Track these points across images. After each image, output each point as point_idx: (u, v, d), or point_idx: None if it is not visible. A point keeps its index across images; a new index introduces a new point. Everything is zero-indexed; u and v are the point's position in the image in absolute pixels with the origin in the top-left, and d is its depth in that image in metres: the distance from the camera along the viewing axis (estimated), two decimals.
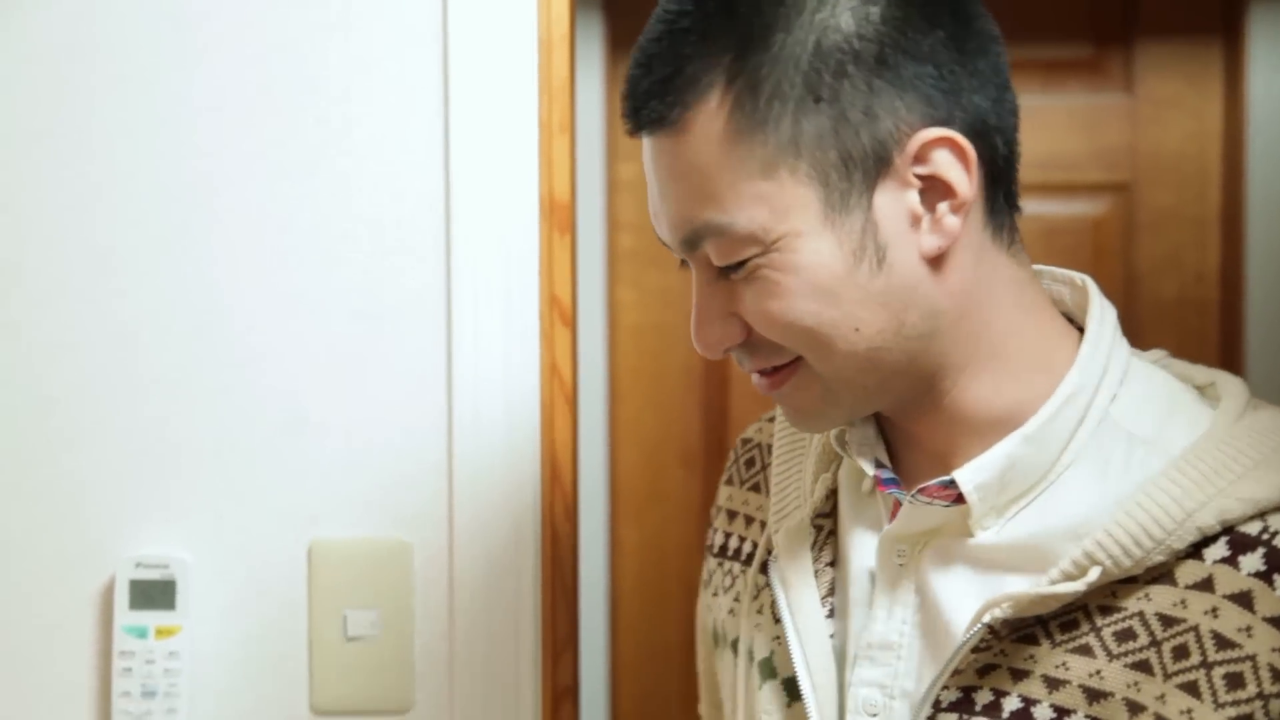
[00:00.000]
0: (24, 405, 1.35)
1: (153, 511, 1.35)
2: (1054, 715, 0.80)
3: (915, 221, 0.82)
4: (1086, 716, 0.79)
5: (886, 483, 0.89)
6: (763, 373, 0.88)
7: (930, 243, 0.82)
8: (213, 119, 1.34)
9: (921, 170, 0.81)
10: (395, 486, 1.34)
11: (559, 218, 1.34)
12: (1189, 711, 0.76)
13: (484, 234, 1.33)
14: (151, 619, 1.32)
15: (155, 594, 1.32)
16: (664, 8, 0.85)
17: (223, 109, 1.34)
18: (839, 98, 0.80)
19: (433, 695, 1.34)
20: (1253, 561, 0.77)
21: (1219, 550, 0.78)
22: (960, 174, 0.81)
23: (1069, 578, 0.80)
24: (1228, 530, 0.78)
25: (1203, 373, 0.91)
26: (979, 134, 0.82)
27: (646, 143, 0.86)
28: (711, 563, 1.06)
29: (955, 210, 0.82)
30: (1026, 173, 2.40)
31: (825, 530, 0.94)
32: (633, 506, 2.26)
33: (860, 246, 0.81)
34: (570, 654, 1.35)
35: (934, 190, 0.82)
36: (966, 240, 0.83)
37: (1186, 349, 2.22)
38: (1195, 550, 0.79)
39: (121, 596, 1.32)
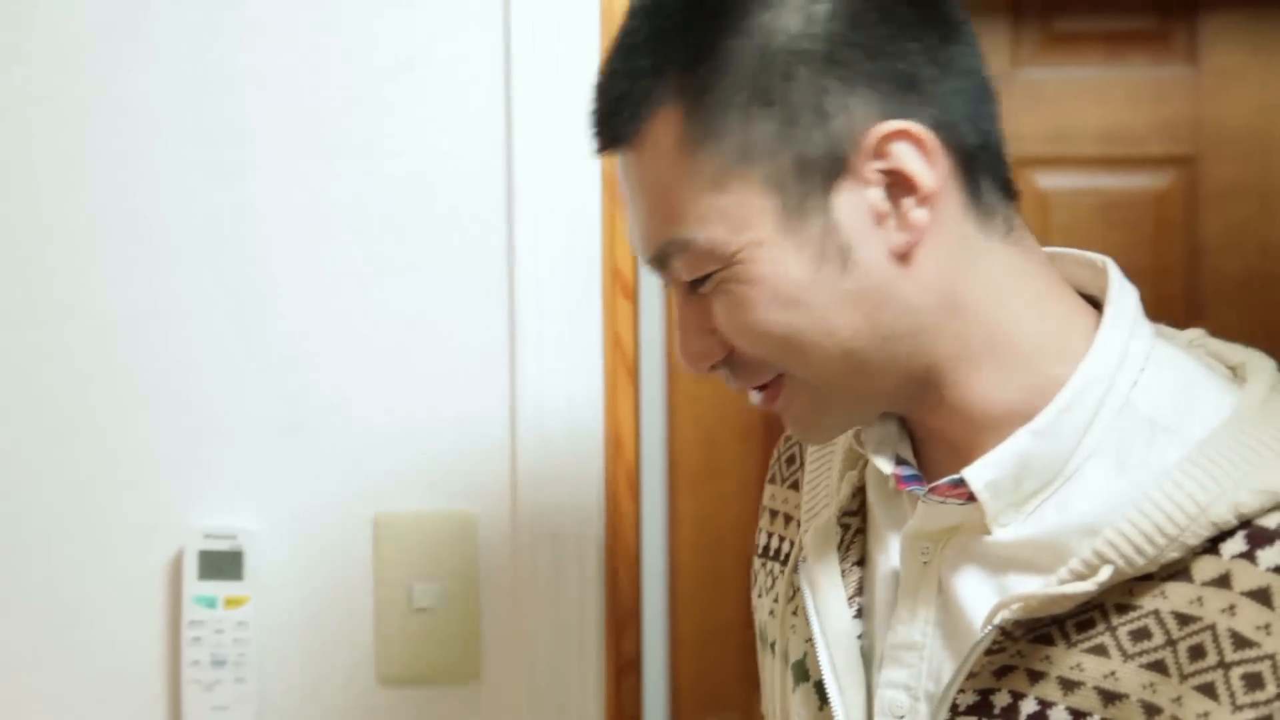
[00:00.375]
0: (95, 380, 1.37)
1: (221, 483, 1.37)
2: (1070, 718, 0.78)
3: (880, 219, 0.79)
4: (1102, 719, 0.77)
5: (907, 480, 0.87)
6: (758, 389, 0.86)
7: (897, 239, 0.79)
8: (270, 92, 1.35)
9: (881, 165, 0.78)
10: (459, 459, 1.35)
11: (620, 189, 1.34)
12: (1206, 715, 0.73)
13: (546, 206, 1.33)
14: (220, 589, 1.34)
15: (224, 565, 1.34)
16: (622, 23, 0.84)
17: (279, 81, 1.35)
18: (788, 100, 0.78)
19: (498, 666, 1.35)
20: (1271, 556, 0.74)
21: (1236, 545, 0.75)
22: (922, 166, 0.78)
23: (1079, 577, 0.77)
24: (1245, 524, 0.75)
25: (1236, 352, 0.88)
26: (944, 124, 0.79)
27: (618, 161, 0.85)
28: (756, 563, 1.04)
29: (922, 204, 0.79)
30: (1089, 145, 2.37)
31: (853, 529, 0.92)
32: (690, 480, 2.25)
33: (822, 250, 0.79)
34: (633, 627, 1.35)
35: (899, 185, 0.79)
36: (941, 233, 0.80)
37: (1252, 324, 2.18)
38: (1212, 545, 0.75)
39: (190, 567, 1.34)
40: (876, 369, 0.82)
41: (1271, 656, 0.71)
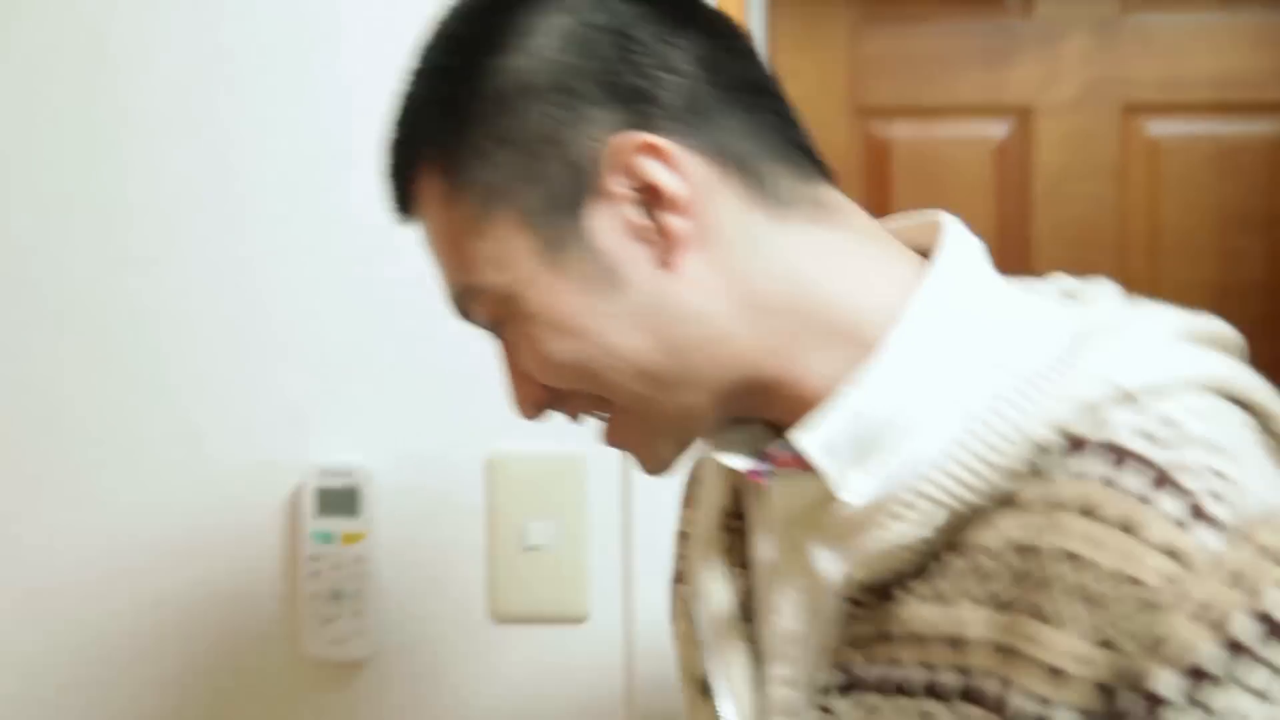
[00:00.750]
0: (216, 321, 1.40)
1: (338, 422, 1.39)
2: (925, 674, 0.75)
3: (639, 235, 0.78)
4: (953, 668, 0.74)
5: (759, 472, 0.85)
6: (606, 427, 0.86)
7: (661, 252, 0.78)
8: (370, 42, 1.36)
9: (628, 181, 0.77)
10: None
11: None
12: (1040, 640, 0.69)
13: None
14: (338, 525, 1.37)
15: (341, 501, 1.37)
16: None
17: (378, 28, 1.36)
18: (523, 136, 0.78)
19: (608, 605, 1.37)
20: (1095, 467, 0.70)
21: (1058, 460, 0.72)
22: (667, 175, 0.77)
23: (909, 523, 0.75)
24: (1066, 437, 0.72)
25: (1087, 286, 0.85)
26: (695, 129, 0.78)
27: None
28: (671, 590, 1.03)
29: (678, 212, 0.77)
30: (1202, 91, 2.31)
31: (736, 531, 0.91)
32: None
33: (586, 277, 0.78)
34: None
35: (652, 198, 0.78)
36: (716, 236, 0.78)
37: None
38: (1038, 466, 0.72)
39: (309, 503, 1.37)
40: (687, 384, 0.80)
41: (1104, 570, 0.68)
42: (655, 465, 0.86)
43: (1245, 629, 0.65)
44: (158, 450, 1.41)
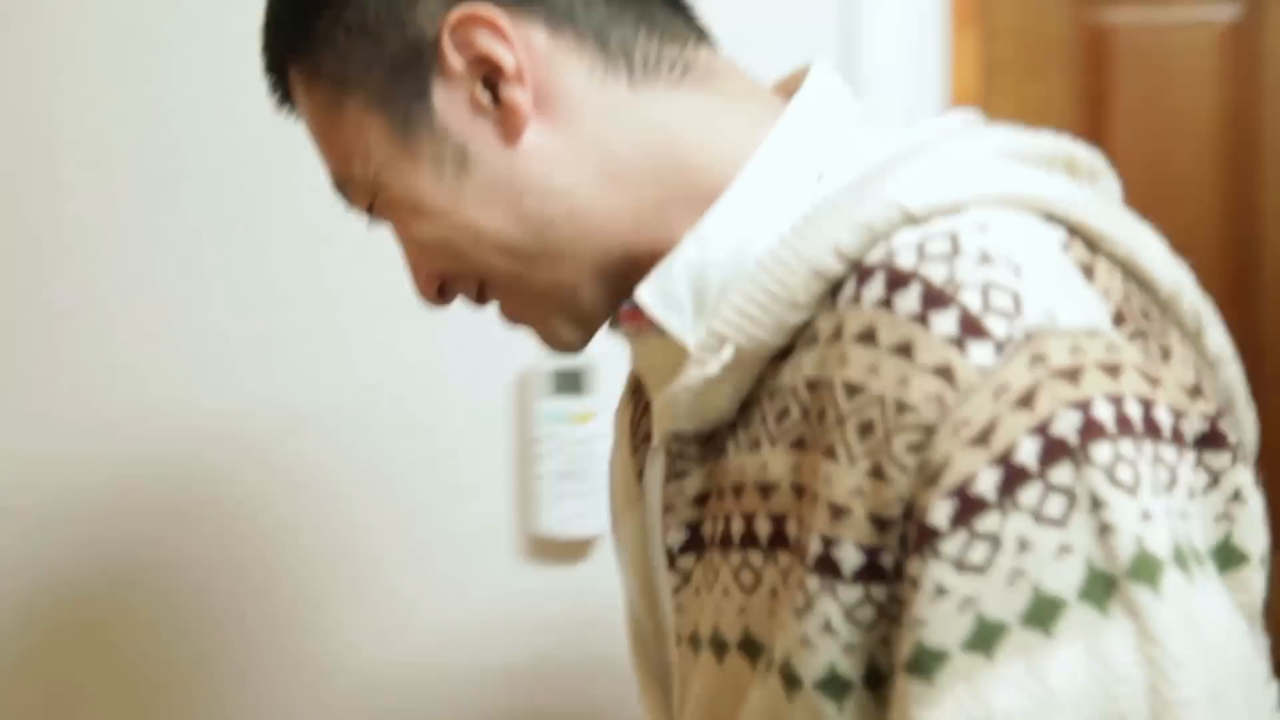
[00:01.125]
0: None
1: None
2: (743, 525, 0.73)
3: (482, 110, 0.77)
4: (766, 515, 0.71)
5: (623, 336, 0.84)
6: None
7: (506, 126, 0.77)
8: None
9: (466, 55, 0.76)
10: None
11: (961, 13, 1.32)
12: (827, 476, 0.66)
13: (891, 31, 1.31)
14: (568, 405, 1.39)
15: (572, 382, 1.39)
16: None
17: None
18: (364, 21, 0.78)
19: None
20: (874, 291, 0.66)
21: (847, 289, 0.68)
22: (499, 46, 0.75)
23: (703, 365, 0.73)
24: (852, 264, 0.68)
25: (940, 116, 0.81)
26: None
27: None
28: None
29: (517, 84, 0.76)
30: None
31: (644, 406, 0.89)
32: None
33: (437, 155, 0.77)
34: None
35: (495, 71, 0.76)
36: (565, 106, 0.77)
37: None
38: (832, 299, 0.69)
39: (541, 383, 1.39)
40: (555, 258, 0.78)
41: (880, 396, 0.64)
42: (556, 343, 0.85)
43: (1021, 447, 0.60)
44: (391, 330, 1.44)
